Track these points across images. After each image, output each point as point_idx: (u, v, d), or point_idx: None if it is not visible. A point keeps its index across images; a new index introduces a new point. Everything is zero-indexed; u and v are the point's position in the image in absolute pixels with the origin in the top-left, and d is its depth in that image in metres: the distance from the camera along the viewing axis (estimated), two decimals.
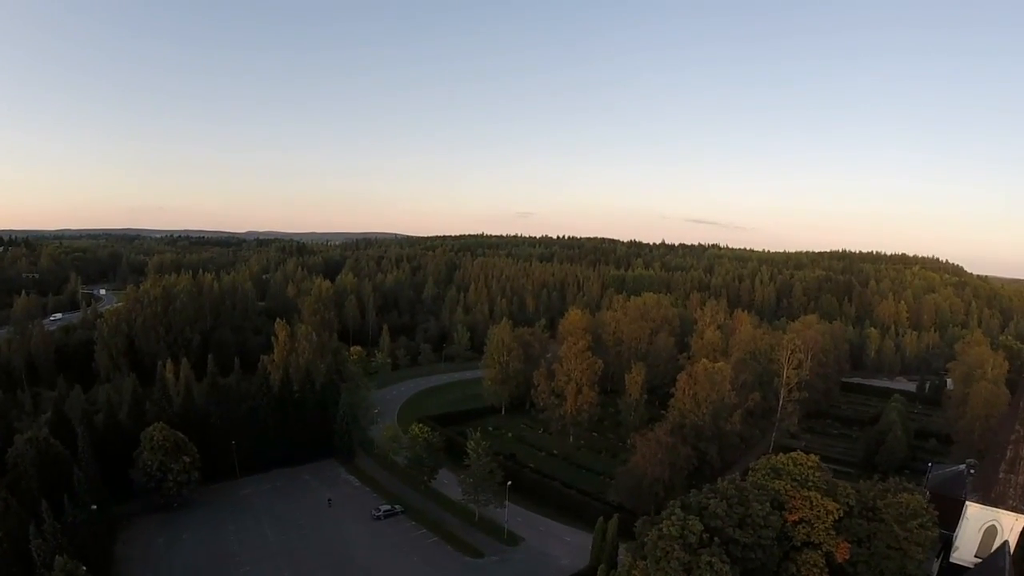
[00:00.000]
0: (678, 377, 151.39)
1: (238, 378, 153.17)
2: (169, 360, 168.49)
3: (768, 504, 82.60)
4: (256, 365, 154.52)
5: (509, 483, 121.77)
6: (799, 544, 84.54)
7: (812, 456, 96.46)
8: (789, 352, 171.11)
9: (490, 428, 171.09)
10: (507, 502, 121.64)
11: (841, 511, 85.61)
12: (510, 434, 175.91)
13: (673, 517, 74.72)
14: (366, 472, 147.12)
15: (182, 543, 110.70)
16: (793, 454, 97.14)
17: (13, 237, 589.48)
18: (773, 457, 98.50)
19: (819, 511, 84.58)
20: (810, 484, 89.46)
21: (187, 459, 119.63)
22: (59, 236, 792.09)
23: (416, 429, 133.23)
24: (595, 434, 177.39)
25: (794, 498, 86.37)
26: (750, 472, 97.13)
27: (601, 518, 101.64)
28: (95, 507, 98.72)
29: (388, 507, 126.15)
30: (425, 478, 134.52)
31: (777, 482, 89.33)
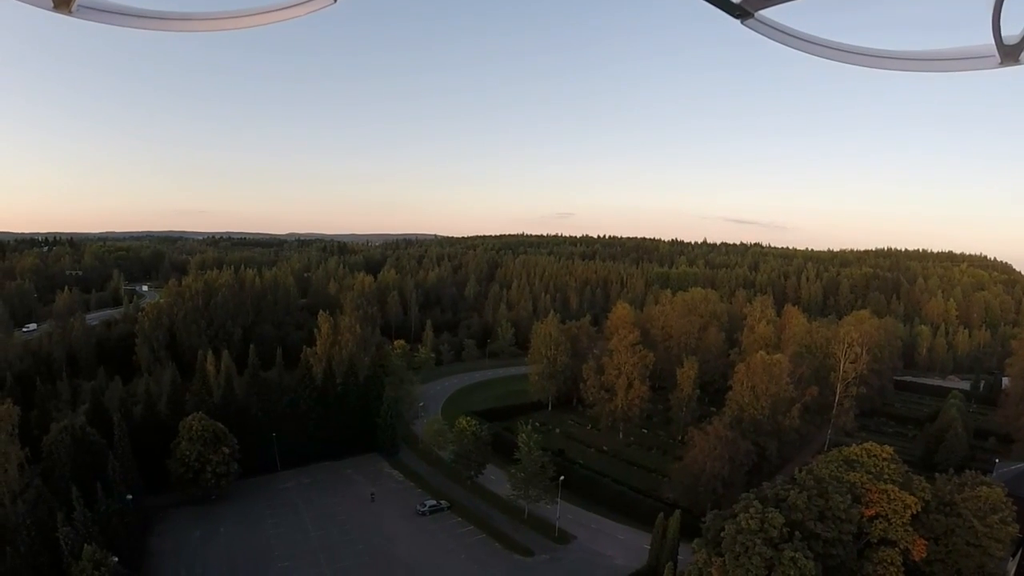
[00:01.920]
0: (736, 369, 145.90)
1: (280, 371, 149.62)
2: (210, 352, 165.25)
3: (849, 496, 76.62)
4: (298, 361, 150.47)
5: (562, 477, 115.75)
6: (875, 541, 78.27)
7: (886, 447, 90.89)
8: (846, 345, 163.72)
9: (536, 424, 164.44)
10: (564, 499, 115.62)
11: (919, 506, 79.22)
12: (557, 430, 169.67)
13: (751, 510, 68.82)
14: (410, 467, 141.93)
15: (218, 536, 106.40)
16: (866, 445, 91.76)
17: (58, 238, 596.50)
18: (845, 448, 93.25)
19: (897, 505, 78.69)
20: (885, 477, 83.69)
21: (226, 450, 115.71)
22: (103, 238, 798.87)
23: (464, 422, 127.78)
24: (645, 431, 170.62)
25: (871, 491, 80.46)
26: (822, 464, 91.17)
27: (661, 515, 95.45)
28: (130, 497, 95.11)
29: (433, 503, 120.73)
30: (472, 473, 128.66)
31: (852, 474, 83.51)
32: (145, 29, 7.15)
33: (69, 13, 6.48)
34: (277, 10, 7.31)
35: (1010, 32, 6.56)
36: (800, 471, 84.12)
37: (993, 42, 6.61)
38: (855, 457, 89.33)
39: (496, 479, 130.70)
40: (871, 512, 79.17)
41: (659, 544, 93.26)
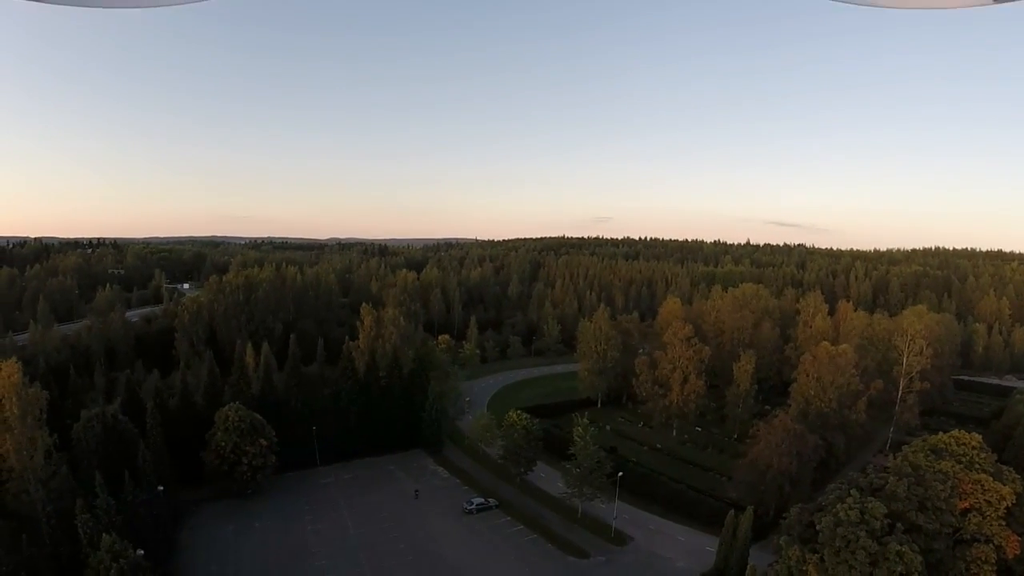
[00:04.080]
0: (801, 359, 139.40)
1: (321, 365, 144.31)
2: (249, 345, 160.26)
3: (949, 484, 68.96)
4: (339, 357, 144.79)
5: (620, 474, 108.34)
6: (968, 537, 70.99)
7: (975, 435, 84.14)
8: (910, 337, 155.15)
9: (586, 421, 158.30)
10: (616, 499, 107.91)
11: (1012, 497, 72.25)
12: (608, 427, 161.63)
13: (849, 500, 61.37)
14: (455, 464, 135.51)
15: (253, 532, 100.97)
16: (954, 433, 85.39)
17: (102, 241, 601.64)
18: (931, 437, 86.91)
19: (991, 496, 72.03)
20: (976, 466, 77.02)
21: (264, 442, 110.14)
22: (146, 243, 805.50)
23: (514, 416, 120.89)
24: (699, 429, 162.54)
25: (963, 481, 73.45)
26: (910, 453, 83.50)
27: (731, 512, 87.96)
28: (161, 488, 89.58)
29: (481, 500, 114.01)
30: (522, 470, 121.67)
31: (942, 463, 76.33)
32: (85, 6, 6.79)
33: None
34: None
35: None
36: (894, 457, 76.87)
37: None
38: (943, 445, 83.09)
39: (547, 477, 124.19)
40: (965, 504, 72.87)
41: (729, 544, 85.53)
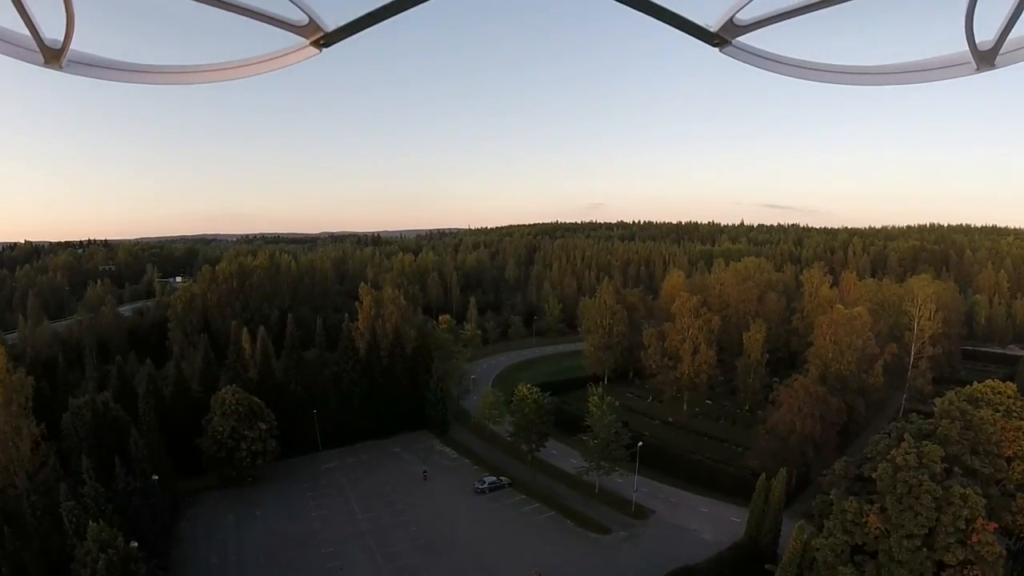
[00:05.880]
0: (816, 321, 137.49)
1: (321, 349, 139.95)
2: (245, 330, 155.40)
3: (999, 427, 68.34)
4: (337, 343, 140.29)
5: (640, 444, 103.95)
6: (1013, 488, 68.89)
7: (1009, 384, 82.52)
8: (921, 302, 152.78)
9: (600, 391, 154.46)
10: (635, 471, 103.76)
11: None
12: (617, 403, 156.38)
13: (904, 444, 57.70)
14: (463, 444, 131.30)
15: (255, 520, 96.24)
16: (989, 382, 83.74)
17: (92, 242, 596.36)
18: (968, 387, 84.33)
19: None
20: (1015, 415, 75.63)
21: (263, 426, 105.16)
22: (137, 242, 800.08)
23: (524, 390, 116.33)
24: (709, 402, 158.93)
25: (1005, 430, 71.53)
26: (952, 397, 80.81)
27: (763, 475, 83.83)
28: (156, 478, 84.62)
29: (493, 479, 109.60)
30: (533, 446, 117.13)
31: (980, 411, 73.13)
32: (133, 83, 7.47)
33: (60, 69, 6.81)
34: (262, 61, 7.65)
35: (983, 38, 6.82)
36: (941, 401, 76.11)
37: (968, 49, 6.92)
38: (979, 395, 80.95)
39: (559, 454, 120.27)
40: (1008, 452, 71.06)
41: (761, 510, 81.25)
